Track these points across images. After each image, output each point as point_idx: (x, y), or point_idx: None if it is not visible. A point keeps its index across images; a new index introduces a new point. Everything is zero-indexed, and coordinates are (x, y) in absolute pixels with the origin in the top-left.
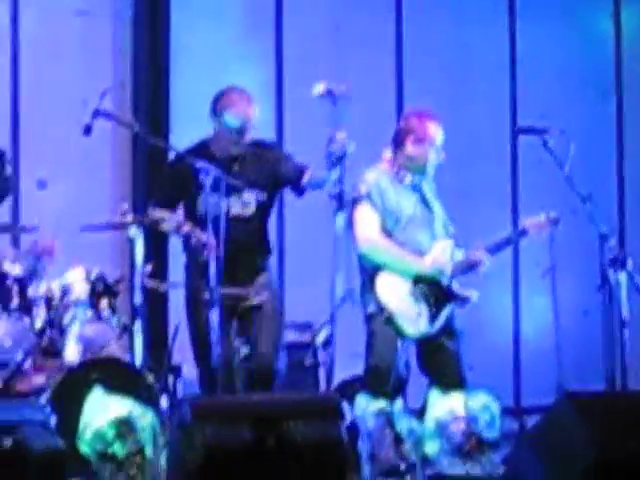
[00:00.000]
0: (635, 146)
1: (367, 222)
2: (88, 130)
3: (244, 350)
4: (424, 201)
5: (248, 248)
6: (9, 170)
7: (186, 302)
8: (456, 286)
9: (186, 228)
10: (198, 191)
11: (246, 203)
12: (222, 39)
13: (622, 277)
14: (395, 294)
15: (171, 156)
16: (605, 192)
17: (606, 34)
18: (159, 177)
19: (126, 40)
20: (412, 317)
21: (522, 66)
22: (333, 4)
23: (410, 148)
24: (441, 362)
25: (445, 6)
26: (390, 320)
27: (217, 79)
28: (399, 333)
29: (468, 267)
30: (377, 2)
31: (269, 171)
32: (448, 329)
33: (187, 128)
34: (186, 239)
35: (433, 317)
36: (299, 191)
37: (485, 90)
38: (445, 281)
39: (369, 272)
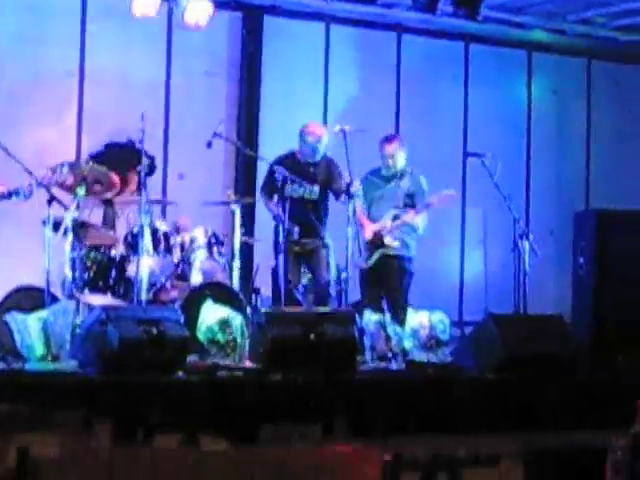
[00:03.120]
0: (537, 166)
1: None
2: (209, 145)
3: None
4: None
5: (311, 218)
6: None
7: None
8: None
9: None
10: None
11: (313, 192)
12: (293, 89)
13: (526, 245)
14: None
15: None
16: (518, 192)
17: (522, 95)
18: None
19: (234, 89)
20: None
21: (471, 114)
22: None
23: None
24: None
25: (427, 78)
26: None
27: (289, 115)
28: None
29: (406, 224)
30: (374, 56)
31: (328, 178)
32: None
33: (270, 145)
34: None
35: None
36: (335, 198)
37: (449, 129)
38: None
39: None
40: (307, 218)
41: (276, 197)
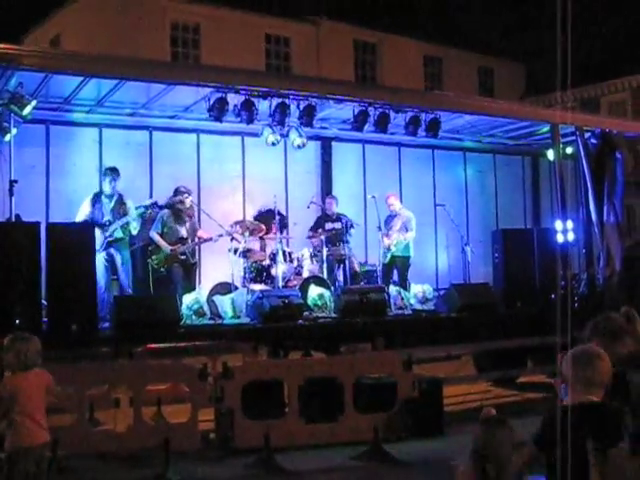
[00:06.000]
0: (471, 208)
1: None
2: (308, 207)
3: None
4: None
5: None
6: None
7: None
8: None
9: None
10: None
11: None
12: (347, 177)
13: (468, 249)
14: None
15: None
16: (462, 222)
17: (462, 174)
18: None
19: (319, 179)
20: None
21: (437, 184)
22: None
23: (387, 204)
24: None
25: (414, 168)
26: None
27: (347, 190)
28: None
29: (401, 239)
30: (386, 159)
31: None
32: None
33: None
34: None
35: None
36: (346, 230)
37: (427, 192)
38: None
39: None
40: (338, 240)
41: (320, 231)
